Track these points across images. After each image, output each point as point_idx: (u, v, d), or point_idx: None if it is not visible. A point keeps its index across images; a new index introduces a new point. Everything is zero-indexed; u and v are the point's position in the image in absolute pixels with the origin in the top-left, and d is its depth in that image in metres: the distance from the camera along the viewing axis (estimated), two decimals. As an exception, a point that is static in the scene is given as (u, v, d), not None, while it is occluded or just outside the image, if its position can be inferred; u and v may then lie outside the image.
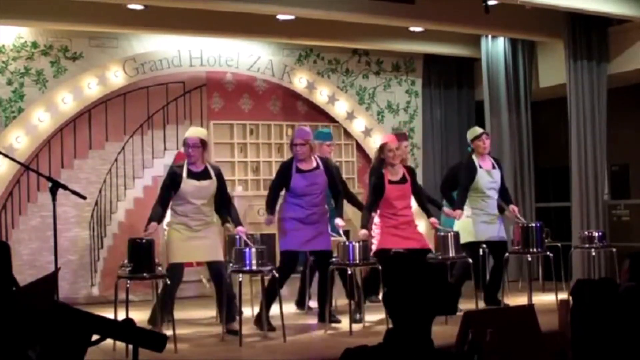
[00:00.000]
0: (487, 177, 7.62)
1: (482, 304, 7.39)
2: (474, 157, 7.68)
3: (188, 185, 6.54)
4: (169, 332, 5.81)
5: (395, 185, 7.23)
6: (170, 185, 6.57)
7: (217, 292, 6.69)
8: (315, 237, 6.96)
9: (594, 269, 8.57)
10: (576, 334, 2.68)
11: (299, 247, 6.98)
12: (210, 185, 6.62)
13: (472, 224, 7.56)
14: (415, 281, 2.45)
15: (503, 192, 7.85)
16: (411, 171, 7.48)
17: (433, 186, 9.62)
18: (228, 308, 6.50)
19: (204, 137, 6.71)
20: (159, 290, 6.52)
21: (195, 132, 6.76)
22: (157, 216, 6.55)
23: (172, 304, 6.38)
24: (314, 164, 7.05)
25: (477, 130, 7.92)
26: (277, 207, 7.08)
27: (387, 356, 2.41)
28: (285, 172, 7.04)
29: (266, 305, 6.65)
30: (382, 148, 7.28)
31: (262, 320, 6.62)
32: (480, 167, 7.63)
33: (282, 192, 7.20)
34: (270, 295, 6.70)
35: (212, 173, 6.67)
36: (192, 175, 6.58)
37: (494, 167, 7.74)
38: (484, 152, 7.72)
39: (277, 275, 6.58)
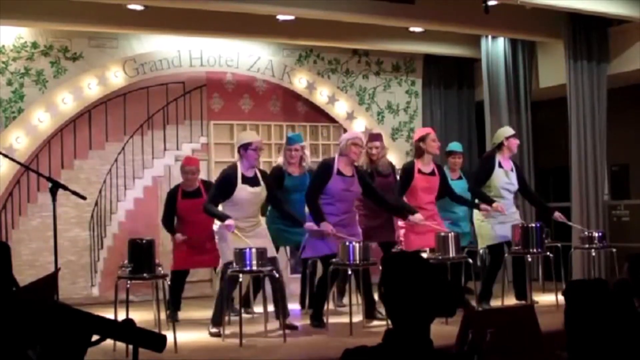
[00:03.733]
0: (504, 177, 7.65)
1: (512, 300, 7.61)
2: (497, 155, 7.71)
3: (242, 191, 6.50)
4: (169, 333, 5.82)
5: (424, 176, 7.32)
6: (226, 188, 6.51)
7: (273, 289, 6.65)
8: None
9: (593, 270, 8.56)
10: (571, 334, 2.68)
11: (330, 251, 6.74)
12: (262, 192, 6.64)
13: (489, 227, 7.61)
14: (415, 281, 2.45)
15: (530, 197, 8.07)
16: (440, 169, 7.59)
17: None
18: (283, 304, 6.57)
19: None
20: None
21: (256, 135, 6.80)
22: (223, 213, 6.48)
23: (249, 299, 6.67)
24: (352, 172, 6.90)
25: (511, 129, 8.00)
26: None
27: (386, 356, 2.40)
28: (326, 171, 6.78)
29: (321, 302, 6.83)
30: (425, 138, 7.36)
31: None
32: (501, 165, 7.66)
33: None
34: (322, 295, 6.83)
35: (261, 179, 6.65)
36: (245, 180, 6.55)
37: (512, 170, 7.76)
38: (515, 151, 7.81)
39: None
